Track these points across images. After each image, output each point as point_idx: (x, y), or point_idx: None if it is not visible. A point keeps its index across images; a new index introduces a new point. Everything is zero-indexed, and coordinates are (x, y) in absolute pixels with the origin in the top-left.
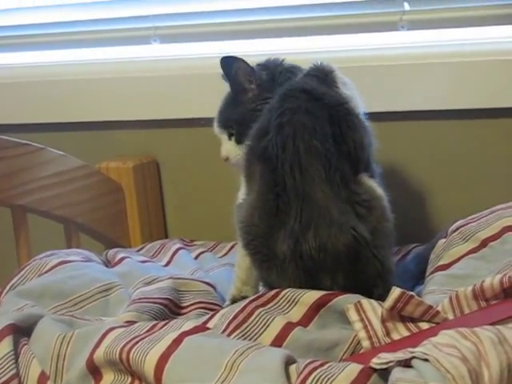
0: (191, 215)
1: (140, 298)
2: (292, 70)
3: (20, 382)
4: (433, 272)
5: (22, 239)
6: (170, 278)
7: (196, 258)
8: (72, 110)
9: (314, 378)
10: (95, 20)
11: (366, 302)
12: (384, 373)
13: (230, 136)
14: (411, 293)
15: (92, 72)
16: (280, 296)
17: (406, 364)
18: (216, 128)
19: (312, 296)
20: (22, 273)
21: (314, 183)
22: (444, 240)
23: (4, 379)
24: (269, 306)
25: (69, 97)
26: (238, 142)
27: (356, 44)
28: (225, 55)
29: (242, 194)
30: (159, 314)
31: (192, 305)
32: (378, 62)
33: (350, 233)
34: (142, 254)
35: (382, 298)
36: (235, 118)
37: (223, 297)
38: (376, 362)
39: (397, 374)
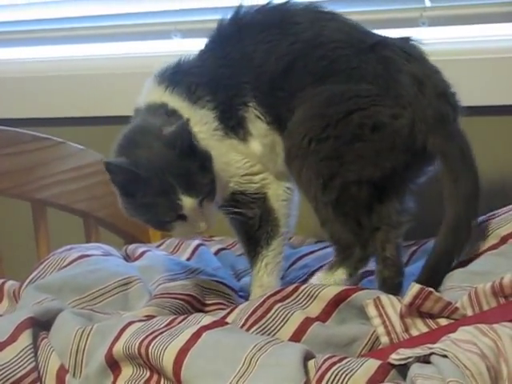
0: None
1: (162, 294)
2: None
3: (39, 375)
4: (452, 268)
5: (42, 233)
6: (194, 276)
7: (216, 253)
8: (92, 104)
9: (332, 374)
10: (116, 15)
11: (385, 298)
12: (402, 369)
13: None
14: (430, 289)
15: (113, 66)
16: (299, 291)
17: (425, 360)
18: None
19: (331, 291)
20: (42, 267)
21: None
22: None
23: (23, 372)
24: (287, 301)
25: (89, 91)
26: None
27: None
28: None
29: None
30: (180, 309)
31: (214, 304)
32: None
33: None
34: (162, 250)
35: None
36: (161, 219)
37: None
38: (395, 357)
39: (415, 369)
